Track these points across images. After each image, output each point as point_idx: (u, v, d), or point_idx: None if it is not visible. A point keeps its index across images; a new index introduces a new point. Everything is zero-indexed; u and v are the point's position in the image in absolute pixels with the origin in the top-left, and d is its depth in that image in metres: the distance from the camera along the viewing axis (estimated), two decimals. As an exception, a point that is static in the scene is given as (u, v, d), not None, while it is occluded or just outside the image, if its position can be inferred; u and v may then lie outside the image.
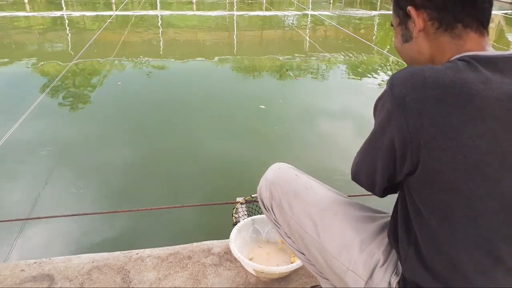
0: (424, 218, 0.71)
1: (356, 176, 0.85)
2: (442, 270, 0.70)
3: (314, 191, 0.98)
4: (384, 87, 0.72)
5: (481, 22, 0.73)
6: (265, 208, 1.06)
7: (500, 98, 0.63)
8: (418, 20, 0.75)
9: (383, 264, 0.84)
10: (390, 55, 6.94)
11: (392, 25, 0.87)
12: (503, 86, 0.64)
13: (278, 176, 1.02)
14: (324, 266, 0.92)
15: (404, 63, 0.87)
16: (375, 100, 0.74)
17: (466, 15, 0.72)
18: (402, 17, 0.80)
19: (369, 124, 0.76)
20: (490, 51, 0.72)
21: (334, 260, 0.88)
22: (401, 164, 0.70)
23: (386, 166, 0.73)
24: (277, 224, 1.05)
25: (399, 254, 0.81)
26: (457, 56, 0.72)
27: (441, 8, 0.73)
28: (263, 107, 4.27)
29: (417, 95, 0.64)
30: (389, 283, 0.82)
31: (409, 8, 0.76)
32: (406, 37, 0.81)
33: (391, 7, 0.86)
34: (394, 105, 0.66)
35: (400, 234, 0.79)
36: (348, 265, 0.85)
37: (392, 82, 0.68)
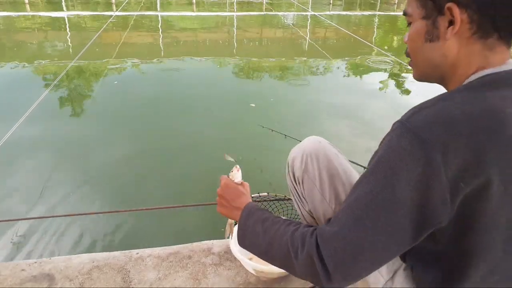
0: (451, 256, 0.69)
1: (355, 259, 0.64)
2: None
3: (352, 177, 0.92)
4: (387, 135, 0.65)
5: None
6: (295, 180, 0.98)
7: None
8: (458, 20, 0.65)
9: (406, 268, 0.81)
10: (389, 54, 6.94)
11: (405, 14, 0.75)
12: None
13: (318, 150, 0.94)
14: None
15: (410, 63, 0.78)
16: (380, 153, 0.64)
17: (505, 25, 0.66)
18: (430, 11, 0.69)
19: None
20: (510, 63, 0.67)
21: None
22: (434, 216, 0.62)
23: (413, 225, 0.62)
24: (301, 199, 0.98)
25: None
26: (480, 73, 0.67)
27: (485, 12, 0.64)
28: (253, 105, 4.31)
29: (449, 135, 0.58)
30: None
31: (450, 5, 0.65)
32: (432, 36, 0.70)
33: None
34: (425, 151, 0.58)
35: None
36: None
37: (412, 128, 0.60)
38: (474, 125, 0.58)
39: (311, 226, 0.72)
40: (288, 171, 1.01)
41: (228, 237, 1.22)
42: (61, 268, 1.44)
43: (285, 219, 0.81)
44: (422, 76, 0.77)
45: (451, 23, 0.66)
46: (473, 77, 0.67)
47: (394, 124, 0.64)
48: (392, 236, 0.63)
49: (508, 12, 0.64)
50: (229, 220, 1.03)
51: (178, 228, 2.36)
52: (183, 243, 1.60)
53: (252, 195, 1.70)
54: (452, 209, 0.61)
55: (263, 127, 2.47)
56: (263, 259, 0.80)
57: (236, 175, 0.97)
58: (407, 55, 0.79)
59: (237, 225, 0.87)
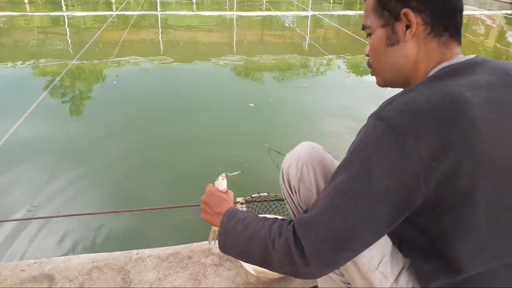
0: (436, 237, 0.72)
1: (334, 246, 0.68)
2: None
3: None
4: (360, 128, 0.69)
5: (460, 32, 0.77)
6: (291, 189, 0.96)
7: (485, 102, 0.66)
8: (414, 23, 0.74)
9: (409, 268, 0.82)
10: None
11: (365, 27, 0.83)
12: (484, 88, 0.68)
13: (313, 156, 0.93)
14: (348, 264, 0.83)
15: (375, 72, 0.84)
16: (356, 142, 0.68)
17: (452, 25, 0.75)
18: (388, 19, 0.78)
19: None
20: (462, 57, 0.75)
21: (363, 258, 0.81)
22: (410, 200, 0.66)
23: (390, 211, 0.66)
24: (298, 209, 0.97)
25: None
26: (438, 67, 0.74)
27: (435, 15, 0.74)
28: (252, 105, 4.31)
29: (417, 121, 0.63)
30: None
31: (406, 10, 0.74)
32: (392, 41, 0.78)
33: (369, 9, 0.81)
34: (398, 138, 0.63)
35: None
36: (377, 265, 0.81)
37: (385, 118, 0.65)
38: (438, 110, 0.64)
39: (289, 219, 0.76)
40: (283, 180, 0.98)
41: (211, 244, 1.30)
42: (61, 269, 1.44)
43: (263, 216, 0.82)
44: (387, 82, 0.85)
45: (408, 27, 0.75)
46: (433, 71, 0.75)
47: (369, 116, 0.69)
48: (369, 223, 0.67)
49: (454, 16, 0.75)
50: (213, 228, 1.06)
51: (178, 228, 2.36)
52: (183, 244, 1.60)
53: (252, 195, 1.70)
54: (427, 192, 0.64)
55: (270, 149, 2.48)
56: (242, 260, 0.82)
57: (222, 183, 1.02)
58: (370, 66, 0.86)
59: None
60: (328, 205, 0.68)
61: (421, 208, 0.67)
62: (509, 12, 12.69)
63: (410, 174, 0.63)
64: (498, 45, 8.17)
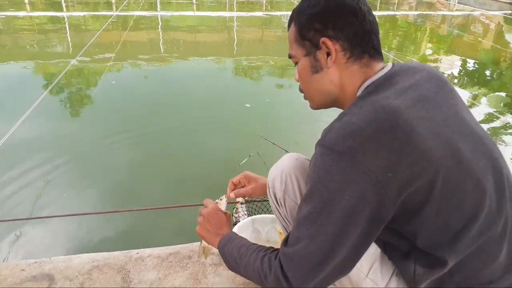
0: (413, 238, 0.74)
1: (320, 274, 0.72)
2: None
3: None
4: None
5: (379, 51, 0.81)
6: (277, 202, 0.98)
7: (414, 103, 0.70)
8: (333, 50, 0.78)
9: (398, 274, 0.83)
10: (389, 54, 6.94)
11: (290, 56, 0.87)
12: (410, 90, 0.73)
13: (296, 168, 0.94)
14: None
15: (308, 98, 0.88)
16: (311, 175, 0.71)
17: (370, 47, 0.79)
18: (309, 48, 0.81)
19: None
20: (383, 70, 0.79)
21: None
22: (379, 214, 0.68)
23: (363, 228, 0.68)
24: (286, 221, 0.98)
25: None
26: (363, 86, 0.78)
27: (352, 40, 0.78)
28: (248, 105, 4.31)
29: (360, 140, 0.66)
30: None
31: (324, 39, 0.78)
32: (316, 68, 0.82)
33: (292, 40, 0.84)
34: (346, 161, 0.66)
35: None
36: (367, 273, 0.83)
37: (329, 146, 0.68)
38: (375, 124, 0.66)
39: (277, 250, 0.82)
40: (269, 193, 1.00)
41: (201, 258, 1.39)
42: (61, 268, 1.44)
43: (258, 245, 0.87)
44: (319, 105, 0.88)
45: (329, 54, 0.79)
46: (360, 91, 0.78)
47: (315, 147, 0.72)
48: (347, 245, 0.69)
49: (369, 39, 0.79)
50: (203, 243, 1.09)
51: (178, 228, 2.36)
52: (183, 243, 1.60)
53: (252, 195, 1.70)
54: (393, 202, 0.67)
55: (267, 140, 2.48)
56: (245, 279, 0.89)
57: (223, 204, 1.06)
58: (301, 91, 0.90)
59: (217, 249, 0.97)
60: (304, 236, 0.71)
61: (392, 217, 0.69)
62: (508, 12, 12.69)
63: (370, 190, 0.65)
64: (496, 45, 8.17)
